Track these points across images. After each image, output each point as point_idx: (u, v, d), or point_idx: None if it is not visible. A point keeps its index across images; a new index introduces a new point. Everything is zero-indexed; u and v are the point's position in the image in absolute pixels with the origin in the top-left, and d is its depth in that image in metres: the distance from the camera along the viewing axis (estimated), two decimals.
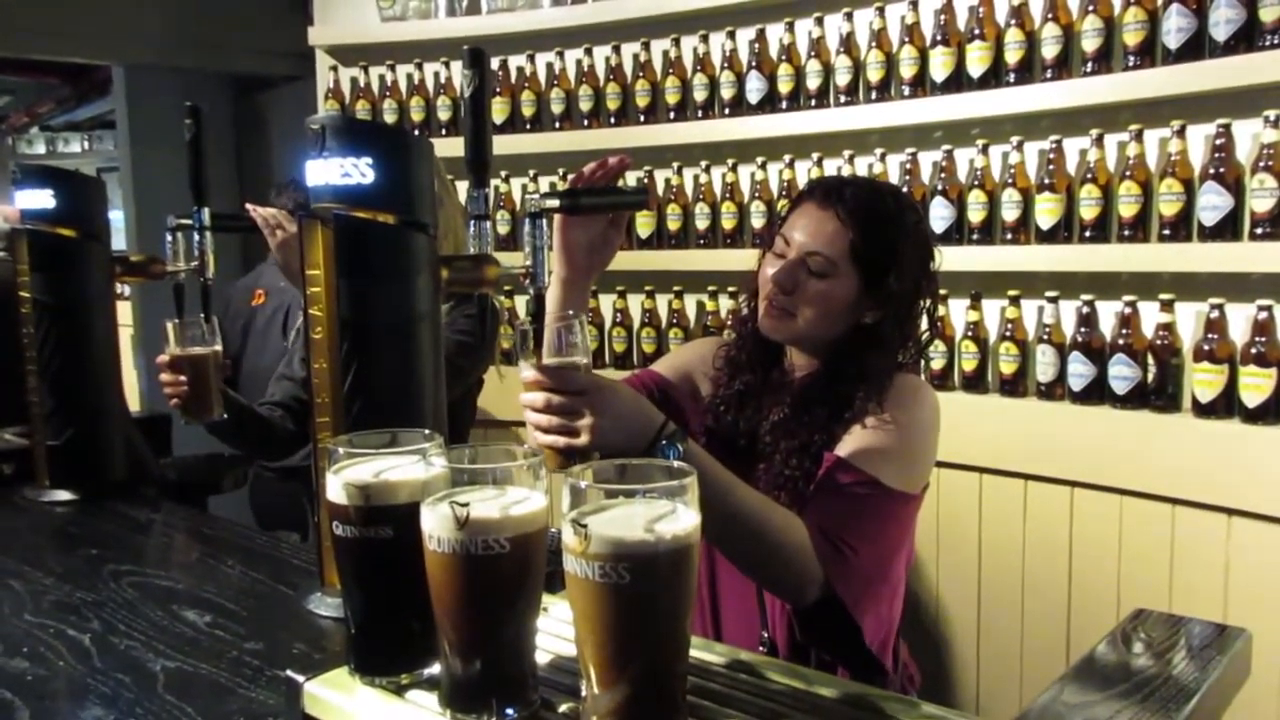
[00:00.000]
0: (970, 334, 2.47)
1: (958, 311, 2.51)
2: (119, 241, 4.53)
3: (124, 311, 4.60)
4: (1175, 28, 2.10)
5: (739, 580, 1.47)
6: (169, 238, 1.88)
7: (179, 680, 1.03)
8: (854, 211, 1.46)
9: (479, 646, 0.78)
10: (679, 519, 0.72)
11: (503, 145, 3.19)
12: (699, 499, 1.24)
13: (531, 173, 3.05)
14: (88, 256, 1.76)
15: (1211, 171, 2.08)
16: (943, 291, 2.49)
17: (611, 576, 0.69)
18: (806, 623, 1.39)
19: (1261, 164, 2.01)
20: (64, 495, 1.73)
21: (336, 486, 0.86)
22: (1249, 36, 2.01)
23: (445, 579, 0.77)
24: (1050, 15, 2.29)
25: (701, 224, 2.88)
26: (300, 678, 0.87)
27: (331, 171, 1.12)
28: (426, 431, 0.90)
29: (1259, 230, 2.03)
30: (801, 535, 1.29)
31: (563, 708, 0.81)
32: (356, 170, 1.11)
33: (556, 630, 0.95)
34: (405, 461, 0.86)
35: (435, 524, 0.77)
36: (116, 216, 4.69)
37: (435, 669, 0.84)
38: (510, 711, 0.79)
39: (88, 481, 1.75)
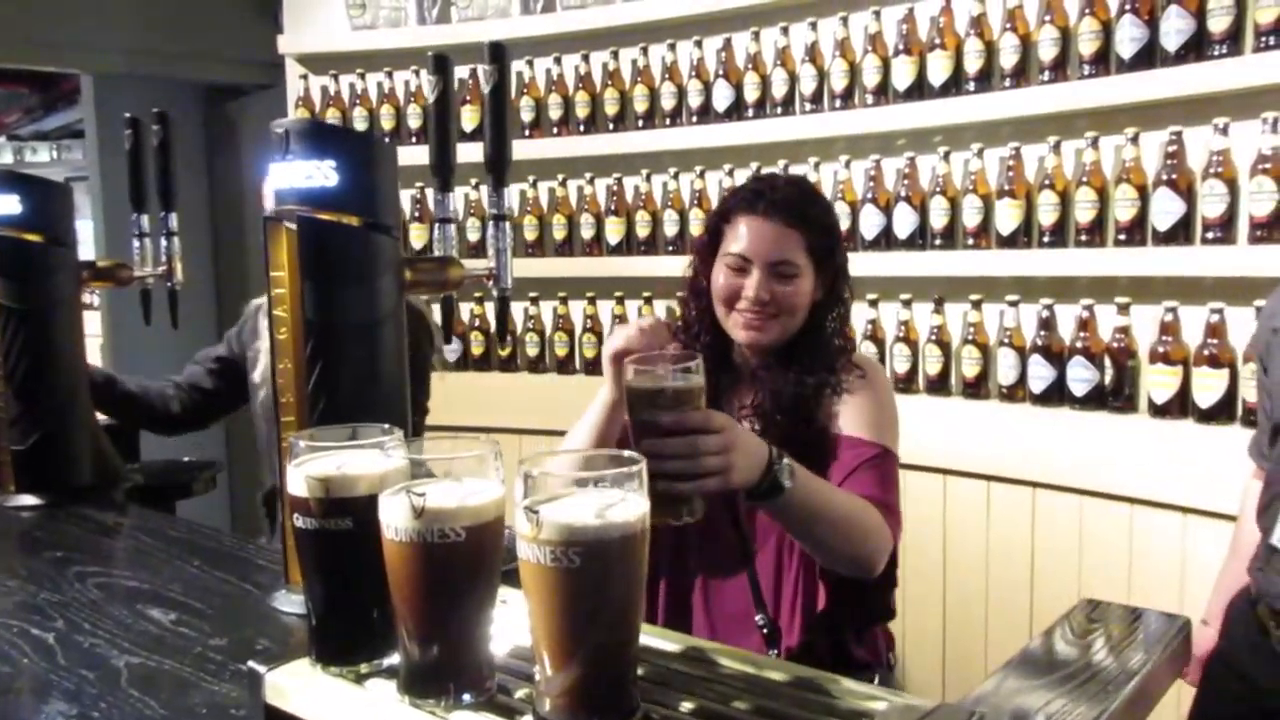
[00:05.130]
0: (934, 338, 2.51)
1: (922, 316, 2.55)
2: (88, 251, 4.51)
3: (93, 321, 4.57)
4: (1128, 37, 2.15)
5: (730, 564, 1.54)
6: (135, 243, 1.89)
7: (143, 676, 1.04)
8: (800, 213, 1.54)
9: (436, 633, 0.80)
10: (629, 506, 0.74)
11: (473, 153, 3.20)
12: (813, 509, 1.31)
13: None
14: (53, 261, 1.76)
15: (1164, 178, 2.14)
16: (907, 296, 2.54)
17: (563, 561, 0.72)
18: (843, 596, 1.51)
19: (1211, 170, 2.07)
20: (30, 500, 1.72)
21: (298, 479, 0.87)
22: (1199, 46, 2.07)
23: (403, 567, 0.79)
24: (1008, 25, 2.34)
25: (670, 230, 2.91)
26: (262, 669, 0.88)
27: (296, 174, 1.14)
28: (385, 426, 0.92)
29: (1209, 235, 2.08)
30: (876, 513, 1.40)
31: (519, 693, 0.83)
32: (320, 173, 1.13)
33: (515, 622, 0.97)
34: (365, 455, 0.88)
35: (393, 514, 0.79)
36: (85, 226, 4.66)
37: (394, 658, 0.86)
38: (467, 697, 0.81)
39: (54, 487, 1.75)
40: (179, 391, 2.30)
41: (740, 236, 1.53)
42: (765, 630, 1.52)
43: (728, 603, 1.56)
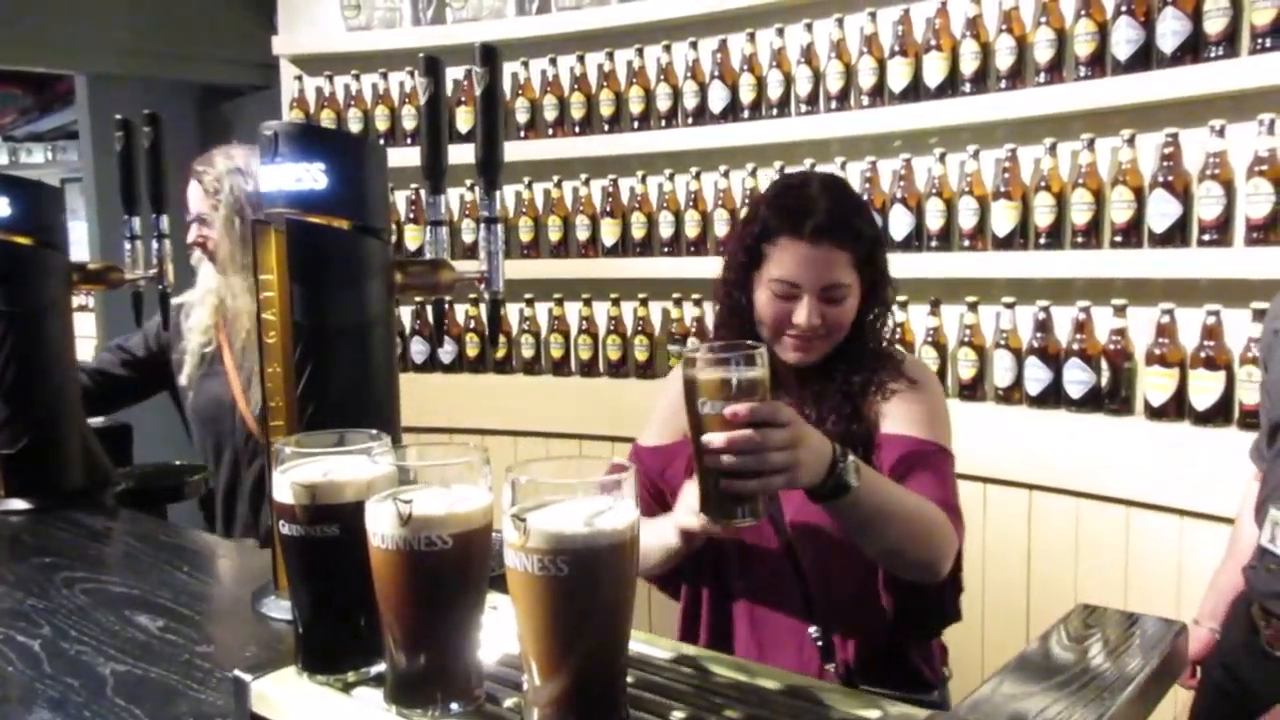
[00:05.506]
0: (930, 340, 2.50)
1: (918, 317, 2.54)
2: (84, 253, 4.49)
3: (87, 323, 4.55)
4: (1124, 39, 2.15)
5: (776, 576, 1.49)
6: (127, 246, 1.88)
7: (129, 683, 1.03)
8: (847, 230, 1.47)
9: (423, 642, 0.79)
10: (617, 514, 0.73)
11: (469, 154, 3.20)
12: (879, 509, 1.26)
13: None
14: (44, 264, 1.75)
15: (1160, 180, 2.13)
16: (903, 298, 2.53)
17: (550, 569, 0.71)
18: (908, 604, 1.45)
19: (1208, 172, 2.06)
20: (19, 505, 1.71)
21: (284, 486, 0.86)
22: (1195, 48, 2.06)
23: (389, 575, 0.78)
24: (1004, 27, 2.34)
25: (666, 232, 2.90)
26: (248, 677, 0.87)
27: (285, 177, 1.13)
28: (373, 431, 0.91)
29: (1206, 237, 2.07)
30: (941, 512, 1.35)
31: (507, 702, 0.82)
32: (309, 176, 1.12)
33: (505, 629, 0.96)
34: (351, 461, 0.87)
35: (380, 521, 0.77)
36: (80, 227, 4.64)
37: (381, 666, 0.85)
38: (455, 706, 0.80)
39: (43, 491, 1.73)
40: (82, 377, 2.29)
41: (785, 262, 1.46)
42: (820, 643, 1.46)
43: (774, 617, 1.50)
